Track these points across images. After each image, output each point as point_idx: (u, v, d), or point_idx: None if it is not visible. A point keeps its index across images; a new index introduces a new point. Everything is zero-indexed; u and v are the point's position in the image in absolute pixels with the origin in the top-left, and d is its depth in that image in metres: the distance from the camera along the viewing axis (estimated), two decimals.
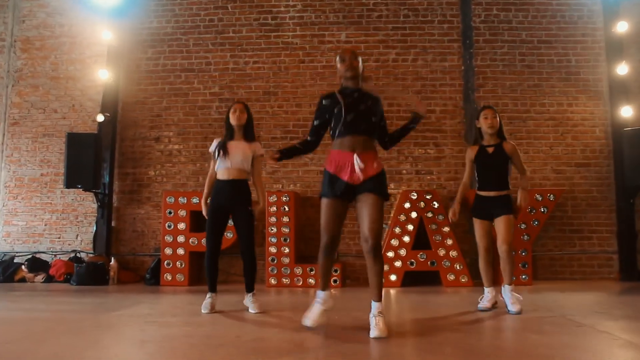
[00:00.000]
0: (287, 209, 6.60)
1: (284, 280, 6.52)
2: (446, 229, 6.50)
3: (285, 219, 6.59)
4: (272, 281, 6.52)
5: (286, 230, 6.57)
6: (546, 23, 7.35)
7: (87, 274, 6.58)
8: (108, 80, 7.42)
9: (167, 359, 2.86)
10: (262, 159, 4.66)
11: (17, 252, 7.31)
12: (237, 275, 6.78)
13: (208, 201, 4.56)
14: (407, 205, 6.56)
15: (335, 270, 6.48)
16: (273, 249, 6.55)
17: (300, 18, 7.51)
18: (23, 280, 6.87)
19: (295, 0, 7.54)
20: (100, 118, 7.23)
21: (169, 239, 6.67)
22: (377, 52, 7.36)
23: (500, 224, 4.41)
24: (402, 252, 6.46)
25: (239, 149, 4.46)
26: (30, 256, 7.14)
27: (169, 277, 6.60)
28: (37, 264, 7.00)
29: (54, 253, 7.32)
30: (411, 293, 5.79)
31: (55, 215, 7.47)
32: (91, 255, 7.14)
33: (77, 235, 7.41)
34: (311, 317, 3.53)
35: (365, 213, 3.40)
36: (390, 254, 6.40)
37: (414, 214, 6.55)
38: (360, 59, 3.63)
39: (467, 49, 7.32)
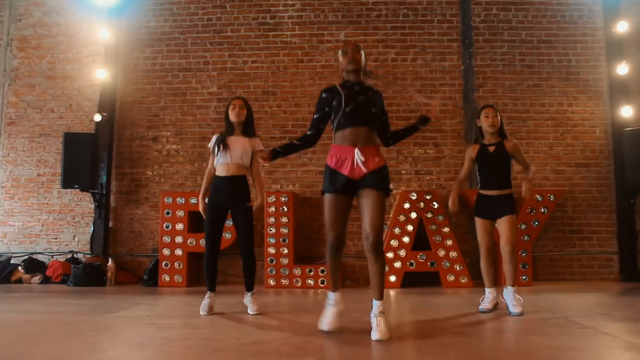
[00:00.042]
0: (285, 209, 6.56)
1: (282, 281, 6.48)
2: (446, 229, 6.47)
3: (284, 220, 6.54)
4: (271, 282, 6.48)
5: (285, 230, 6.53)
6: (546, 23, 7.32)
7: (84, 275, 6.52)
8: (105, 79, 7.37)
9: None
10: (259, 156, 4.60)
11: (13, 253, 7.24)
12: (235, 275, 6.74)
13: (206, 200, 4.51)
14: (406, 205, 6.53)
15: None
16: (272, 250, 6.51)
17: (299, 17, 7.47)
18: (19, 281, 6.82)
19: None
20: (97, 118, 7.18)
21: (167, 239, 6.62)
22: (377, 51, 7.32)
23: (503, 224, 4.37)
24: (402, 252, 6.42)
25: (239, 144, 4.41)
26: (26, 257, 7.09)
27: (167, 278, 6.56)
28: (33, 265, 6.95)
29: (50, 254, 7.26)
30: (411, 294, 5.76)
31: (52, 216, 7.41)
32: (88, 256, 7.09)
33: (74, 236, 7.36)
34: (326, 320, 3.45)
35: (366, 209, 3.35)
36: (390, 255, 6.36)
37: (413, 215, 6.51)
38: (363, 53, 3.57)
39: (466, 48, 7.29)
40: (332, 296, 3.54)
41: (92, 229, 7.20)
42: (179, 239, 6.61)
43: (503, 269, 4.43)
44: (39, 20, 7.81)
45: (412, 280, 6.44)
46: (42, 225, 7.40)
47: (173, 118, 7.44)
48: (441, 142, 7.19)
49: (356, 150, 3.37)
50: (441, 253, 6.43)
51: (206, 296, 4.36)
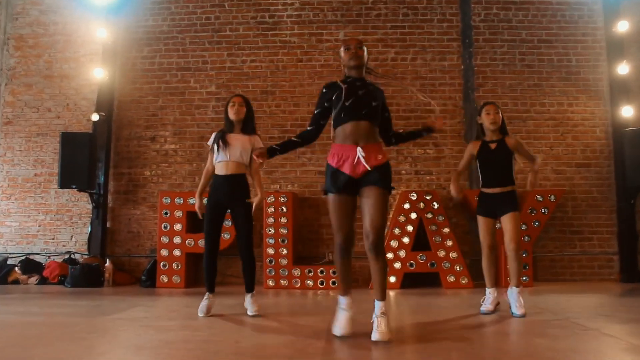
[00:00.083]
0: (285, 209, 6.51)
1: (281, 281, 6.43)
2: (446, 230, 6.43)
3: (283, 220, 6.50)
4: (270, 283, 6.43)
5: (284, 231, 6.48)
6: (546, 22, 7.29)
7: (81, 276, 6.47)
8: (103, 79, 7.32)
9: None
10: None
11: (10, 254, 7.19)
12: (234, 276, 6.70)
13: (204, 200, 4.46)
14: (406, 206, 6.49)
15: (334, 272, 6.40)
16: (271, 250, 6.47)
17: (298, 16, 7.43)
18: (16, 282, 6.77)
19: None
20: (95, 117, 7.13)
21: (165, 240, 6.57)
22: (376, 51, 7.27)
23: (506, 221, 4.32)
24: (402, 253, 6.38)
25: (238, 142, 4.34)
26: (23, 257, 7.04)
27: (165, 279, 6.51)
28: (30, 266, 6.90)
29: (47, 254, 7.21)
30: (411, 295, 5.72)
31: (49, 216, 7.36)
32: (86, 256, 7.03)
33: (72, 236, 7.30)
34: (340, 325, 3.34)
35: (366, 207, 3.28)
36: (390, 256, 6.32)
37: (413, 215, 6.47)
38: (365, 49, 3.52)
39: (466, 48, 7.26)
40: (343, 300, 3.43)
41: (89, 229, 7.15)
42: (177, 240, 6.56)
43: (508, 267, 4.37)
44: (36, 19, 7.75)
45: (411, 281, 6.41)
46: (39, 226, 7.35)
47: (171, 118, 7.39)
48: (441, 142, 7.15)
49: (358, 148, 3.29)
50: (441, 254, 6.39)
51: (205, 297, 4.31)
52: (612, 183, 7.03)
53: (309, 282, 6.42)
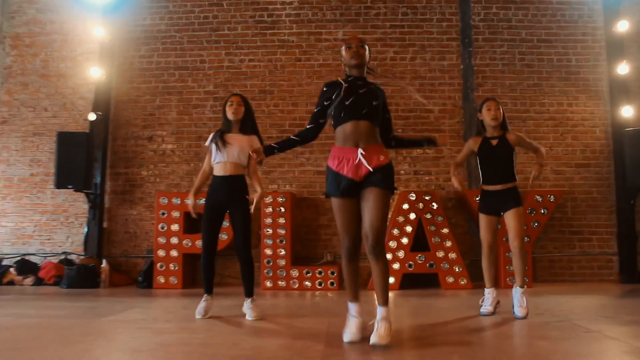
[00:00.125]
0: (283, 210, 6.46)
1: (279, 283, 6.39)
2: (445, 230, 6.39)
3: (281, 220, 6.45)
4: (268, 284, 6.38)
5: (282, 231, 6.44)
6: (546, 22, 7.26)
7: (77, 277, 6.41)
8: (100, 78, 7.26)
9: None
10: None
11: (5, 254, 7.13)
12: (232, 277, 6.66)
13: (199, 200, 4.40)
14: (405, 206, 6.44)
15: (332, 273, 6.37)
16: (269, 251, 6.42)
17: (296, 15, 7.38)
18: (11, 283, 6.70)
19: None
20: (92, 117, 7.07)
21: (162, 240, 6.52)
22: (375, 50, 7.21)
23: (510, 217, 4.28)
24: (400, 254, 6.34)
25: (236, 143, 4.27)
26: (19, 258, 6.99)
27: (162, 280, 6.46)
28: (26, 266, 6.85)
29: (43, 255, 7.15)
30: (410, 296, 5.67)
31: (45, 216, 7.30)
32: (82, 257, 6.97)
33: (68, 237, 7.24)
34: (350, 331, 3.25)
35: (367, 209, 3.19)
36: (389, 256, 6.26)
37: (412, 215, 6.43)
38: (367, 48, 3.44)
39: (466, 47, 7.22)
40: (352, 307, 3.35)
41: (86, 229, 7.09)
42: (174, 240, 6.51)
43: (513, 267, 4.33)
44: (33, 17, 7.69)
45: (410, 281, 6.37)
46: (35, 226, 7.29)
47: (169, 117, 7.34)
48: (440, 142, 7.09)
49: (359, 150, 3.23)
50: (440, 254, 6.35)
51: (203, 299, 4.26)
52: (611, 183, 7.00)
53: (307, 283, 6.38)
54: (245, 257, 4.22)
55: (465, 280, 6.30)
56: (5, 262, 6.97)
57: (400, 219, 6.40)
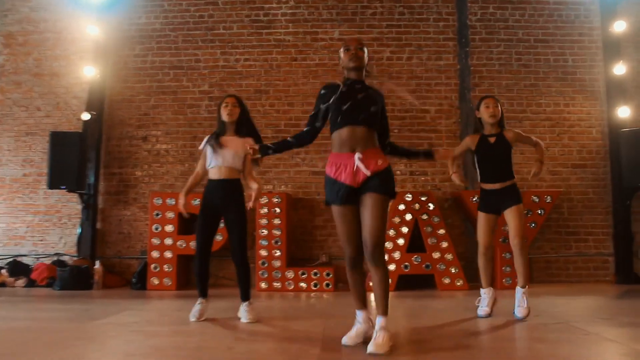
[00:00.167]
0: (278, 210, 6.41)
1: (275, 284, 6.33)
2: (441, 231, 6.35)
3: (277, 221, 6.40)
4: (263, 285, 6.33)
5: (277, 232, 6.38)
6: (543, 22, 7.24)
7: (70, 278, 6.34)
8: (94, 77, 7.18)
9: None
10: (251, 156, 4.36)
11: None
12: (226, 279, 6.61)
13: (193, 201, 4.35)
14: (401, 207, 6.40)
15: (328, 274, 6.33)
16: (264, 252, 6.36)
17: (292, 15, 7.33)
18: (3, 284, 6.60)
19: None
20: (85, 116, 6.99)
21: (156, 241, 6.45)
22: (372, 50, 7.04)
23: (510, 215, 4.24)
24: (397, 255, 6.30)
25: (231, 146, 4.21)
26: (11, 259, 6.90)
27: (156, 282, 6.39)
28: (18, 268, 6.76)
29: (36, 256, 7.07)
30: (406, 298, 5.63)
31: (37, 217, 7.21)
32: (75, 258, 6.89)
33: (61, 238, 7.16)
34: (349, 335, 3.23)
35: (365, 215, 3.11)
36: (385, 257, 6.22)
37: (408, 216, 6.39)
38: (366, 50, 3.37)
39: (462, 47, 7.19)
40: (359, 314, 3.31)
41: (79, 230, 7.01)
42: (168, 241, 6.44)
43: (515, 265, 4.30)
44: (26, 16, 7.60)
45: (406, 282, 6.32)
46: (28, 227, 7.20)
47: (163, 117, 7.27)
48: (436, 143, 7.07)
49: (356, 156, 3.15)
50: (436, 255, 6.31)
51: (197, 302, 4.19)
52: (608, 184, 6.98)
53: (302, 284, 6.33)
54: (241, 260, 4.16)
55: (461, 282, 6.26)
56: None
57: (396, 219, 6.36)
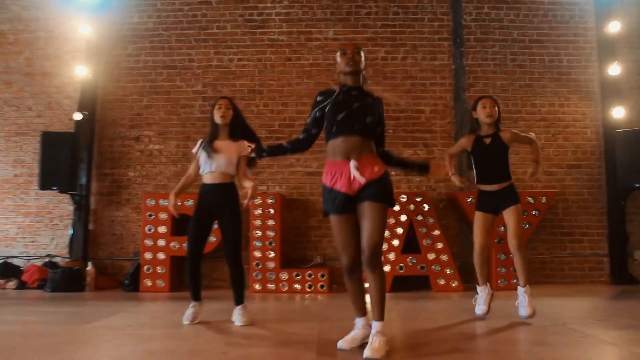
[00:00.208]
0: (272, 211, 6.36)
1: (269, 285, 6.28)
2: (437, 232, 6.32)
3: (271, 222, 6.35)
4: (257, 287, 6.28)
5: (271, 233, 6.33)
6: (538, 22, 7.22)
7: (62, 280, 6.26)
8: (86, 77, 7.10)
9: None
10: (246, 157, 4.25)
11: None
12: (220, 280, 6.55)
13: (186, 202, 4.30)
14: (396, 208, 6.35)
15: (322, 275, 6.28)
16: (258, 253, 6.31)
17: (286, 14, 7.28)
18: None
19: None
20: (77, 116, 6.91)
21: (149, 242, 6.39)
22: (366, 50, 6.95)
23: (508, 216, 4.22)
24: (391, 256, 6.26)
25: (224, 152, 4.16)
26: (1, 261, 6.81)
27: (149, 283, 6.33)
28: (8, 270, 6.68)
29: (27, 258, 6.98)
30: (401, 299, 5.60)
31: (29, 218, 7.13)
32: (67, 260, 6.82)
33: (52, 239, 7.08)
34: (345, 339, 3.19)
35: (363, 223, 3.07)
36: (382, 262, 6.18)
37: (403, 217, 6.36)
38: (363, 54, 3.30)
39: (457, 47, 7.16)
40: (359, 321, 3.28)
41: (71, 231, 6.93)
42: (161, 243, 6.38)
43: (515, 266, 4.31)
44: (17, 14, 7.51)
45: (400, 284, 6.28)
46: (19, 228, 7.11)
47: (156, 117, 7.20)
48: (431, 143, 7.05)
49: (351, 163, 3.09)
50: (431, 256, 6.28)
51: (190, 305, 4.14)
52: (602, 185, 6.98)
53: (296, 285, 6.28)
54: (235, 263, 4.11)
55: (456, 283, 6.24)
56: None
57: (391, 220, 6.32)
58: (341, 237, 3.15)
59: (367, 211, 3.06)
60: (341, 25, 7.24)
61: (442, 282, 6.25)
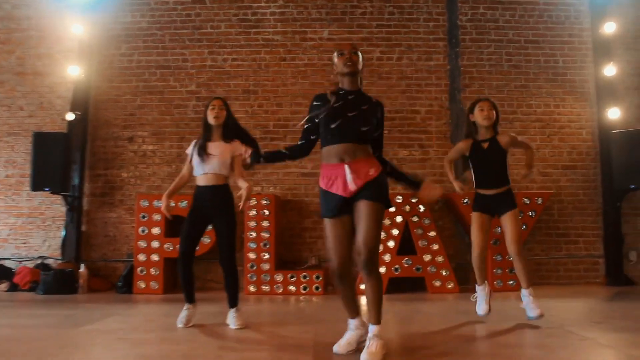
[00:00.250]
0: (267, 213, 6.31)
1: (263, 287, 6.24)
2: (432, 233, 6.29)
3: (265, 223, 6.30)
4: (251, 288, 6.23)
5: (266, 235, 6.29)
6: (533, 23, 7.21)
7: (54, 282, 6.19)
8: (79, 76, 7.03)
9: None
10: (241, 158, 4.15)
11: None
12: (214, 282, 6.49)
13: (180, 203, 4.25)
14: (391, 209, 6.33)
15: (317, 277, 6.24)
16: (252, 255, 6.26)
17: (281, 14, 7.23)
18: None
19: None
20: (70, 116, 6.85)
21: (142, 244, 6.33)
22: (361, 50, 7.06)
23: (506, 221, 4.19)
24: (387, 257, 6.23)
25: (217, 153, 4.11)
26: None
27: (143, 285, 6.27)
28: (0, 272, 6.59)
29: (18, 259, 6.91)
30: (397, 301, 5.56)
31: (20, 220, 7.04)
32: (59, 261, 6.75)
33: (45, 241, 7.00)
34: (340, 343, 3.15)
35: (358, 223, 3.02)
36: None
37: (399, 218, 6.32)
38: (360, 55, 3.24)
39: (453, 47, 7.14)
40: (352, 322, 3.25)
41: (63, 233, 6.86)
42: (155, 244, 6.32)
43: (515, 270, 4.28)
44: (8, 13, 7.43)
45: (395, 285, 6.24)
46: (10, 230, 7.03)
47: (150, 117, 7.14)
48: (426, 144, 7.02)
49: (345, 166, 3.05)
50: (427, 258, 6.25)
51: (184, 308, 4.09)
52: (598, 185, 6.97)
53: (291, 287, 6.24)
54: (229, 266, 4.06)
55: (452, 284, 6.21)
56: None
57: (387, 221, 6.29)
58: (333, 240, 3.10)
59: (363, 211, 3.02)
60: (336, 25, 7.20)
61: (437, 283, 6.22)
